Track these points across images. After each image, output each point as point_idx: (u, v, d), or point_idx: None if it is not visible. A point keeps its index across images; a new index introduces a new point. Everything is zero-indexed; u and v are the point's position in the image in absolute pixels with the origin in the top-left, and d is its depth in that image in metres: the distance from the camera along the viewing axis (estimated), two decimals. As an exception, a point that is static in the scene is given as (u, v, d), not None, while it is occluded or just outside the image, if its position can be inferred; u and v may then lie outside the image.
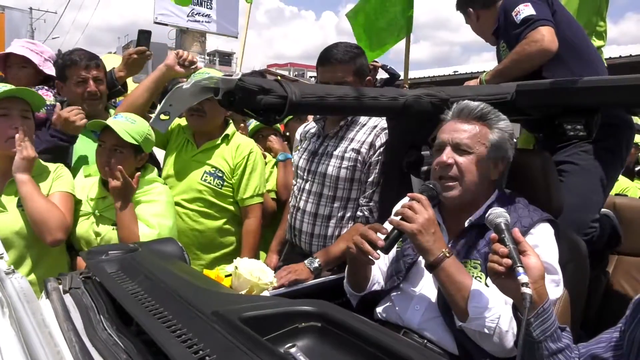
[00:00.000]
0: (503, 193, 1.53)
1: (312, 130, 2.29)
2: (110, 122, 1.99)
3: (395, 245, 1.57)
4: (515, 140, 1.58)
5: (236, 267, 1.68)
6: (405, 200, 1.46)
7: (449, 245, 1.46)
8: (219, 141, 2.40)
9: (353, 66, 2.03)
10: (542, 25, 2.06)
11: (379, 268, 1.63)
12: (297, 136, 2.40)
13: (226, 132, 2.43)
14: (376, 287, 1.59)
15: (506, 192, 1.54)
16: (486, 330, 1.26)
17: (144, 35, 2.58)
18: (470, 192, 1.46)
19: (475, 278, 1.37)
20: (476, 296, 1.28)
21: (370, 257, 1.37)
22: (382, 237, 1.38)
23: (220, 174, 2.35)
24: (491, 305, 1.26)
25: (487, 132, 1.48)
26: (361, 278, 1.57)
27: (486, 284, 1.35)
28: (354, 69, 2.02)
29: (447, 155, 1.46)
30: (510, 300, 1.22)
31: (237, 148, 2.39)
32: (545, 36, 2.06)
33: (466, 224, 1.47)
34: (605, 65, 2.91)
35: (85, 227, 2.01)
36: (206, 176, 2.34)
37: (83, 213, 2.04)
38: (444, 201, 1.51)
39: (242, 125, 3.02)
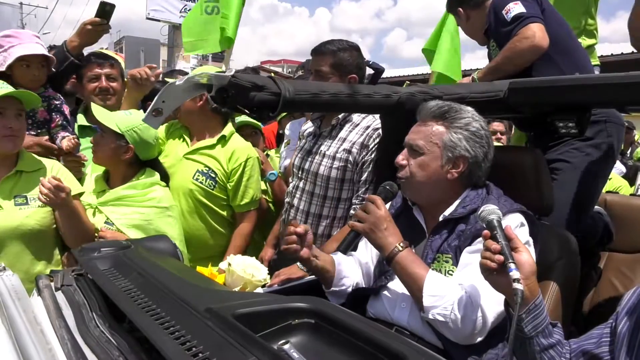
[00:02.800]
0: (480, 187, 1.51)
1: (310, 130, 2.31)
2: (94, 107, 2.10)
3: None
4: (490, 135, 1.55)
5: (229, 264, 1.68)
6: None
7: (427, 241, 1.49)
8: (214, 141, 2.36)
9: (332, 58, 2.06)
10: (533, 22, 2.08)
11: (359, 265, 1.65)
12: (286, 131, 2.40)
13: (223, 132, 2.38)
14: (348, 283, 1.60)
15: (487, 185, 1.53)
16: (441, 318, 1.29)
17: (105, 7, 2.40)
18: (423, 192, 1.50)
19: (448, 272, 1.41)
20: (430, 285, 1.32)
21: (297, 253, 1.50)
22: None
23: (213, 175, 2.32)
24: (444, 293, 1.30)
25: (443, 132, 1.47)
26: (321, 275, 1.59)
27: (450, 274, 1.39)
28: (332, 61, 2.06)
29: (402, 157, 1.52)
30: (469, 288, 1.28)
31: (233, 153, 2.35)
32: (537, 33, 2.07)
33: (440, 219, 1.49)
34: (598, 63, 2.93)
35: None
36: (198, 175, 2.31)
37: (85, 204, 2.07)
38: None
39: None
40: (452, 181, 1.48)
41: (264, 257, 2.39)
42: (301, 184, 2.21)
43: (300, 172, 2.23)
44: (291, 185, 2.30)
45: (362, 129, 2.10)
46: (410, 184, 1.49)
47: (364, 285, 1.63)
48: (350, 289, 1.60)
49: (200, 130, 2.40)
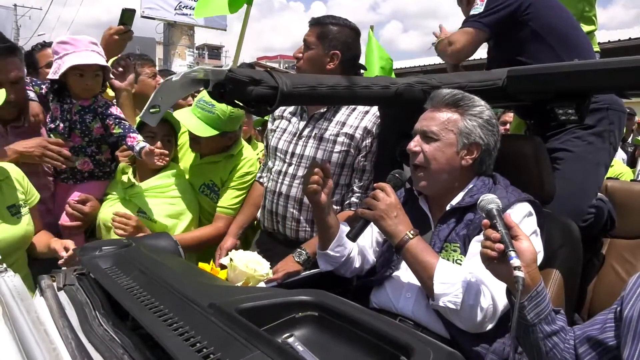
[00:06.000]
0: (487, 177, 1.53)
1: (290, 109, 2.21)
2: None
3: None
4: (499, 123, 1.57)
5: (231, 259, 1.68)
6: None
7: (434, 230, 1.49)
8: (221, 158, 2.35)
9: (320, 29, 2.06)
10: (470, 26, 2.14)
11: (363, 248, 1.66)
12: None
13: (231, 151, 2.35)
14: (344, 252, 1.62)
15: (493, 176, 1.54)
16: (452, 306, 1.29)
17: (128, 14, 2.39)
18: (439, 179, 1.49)
19: (456, 261, 1.40)
20: (441, 273, 1.32)
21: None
22: None
23: (216, 189, 2.36)
24: (455, 281, 1.30)
25: (458, 118, 1.48)
26: (324, 230, 1.61)
27: (458, 263, 1.39)
28: (318, 32, 2.06)
29: (415, 143, 1.51)
30: (479, 275, 1.27)
31: (234, 167, 2.34)
32: (459, 40, 2.16)
33: (447, 208, 1.49)
34: (599, 49, 2.92)
35: (110, 212, 2.12)
36: (204, 188, 2.35)
37: (113, 197, 2.19)
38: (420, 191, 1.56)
39: (245, 119, 2.98)
40: (465, 168, 1.49)
41: (223, 246, 2.22)
42: (290, 169, 2.09)
43: (288, 157, 2.12)
44: (274, 170, 2.16)
45: (361, 113, 2.05)
46: (428, 170, 1.49)
47: (357, 263, 1.64)
48: (343, 259, 1.62)
49: (210, 149, 2.36)
